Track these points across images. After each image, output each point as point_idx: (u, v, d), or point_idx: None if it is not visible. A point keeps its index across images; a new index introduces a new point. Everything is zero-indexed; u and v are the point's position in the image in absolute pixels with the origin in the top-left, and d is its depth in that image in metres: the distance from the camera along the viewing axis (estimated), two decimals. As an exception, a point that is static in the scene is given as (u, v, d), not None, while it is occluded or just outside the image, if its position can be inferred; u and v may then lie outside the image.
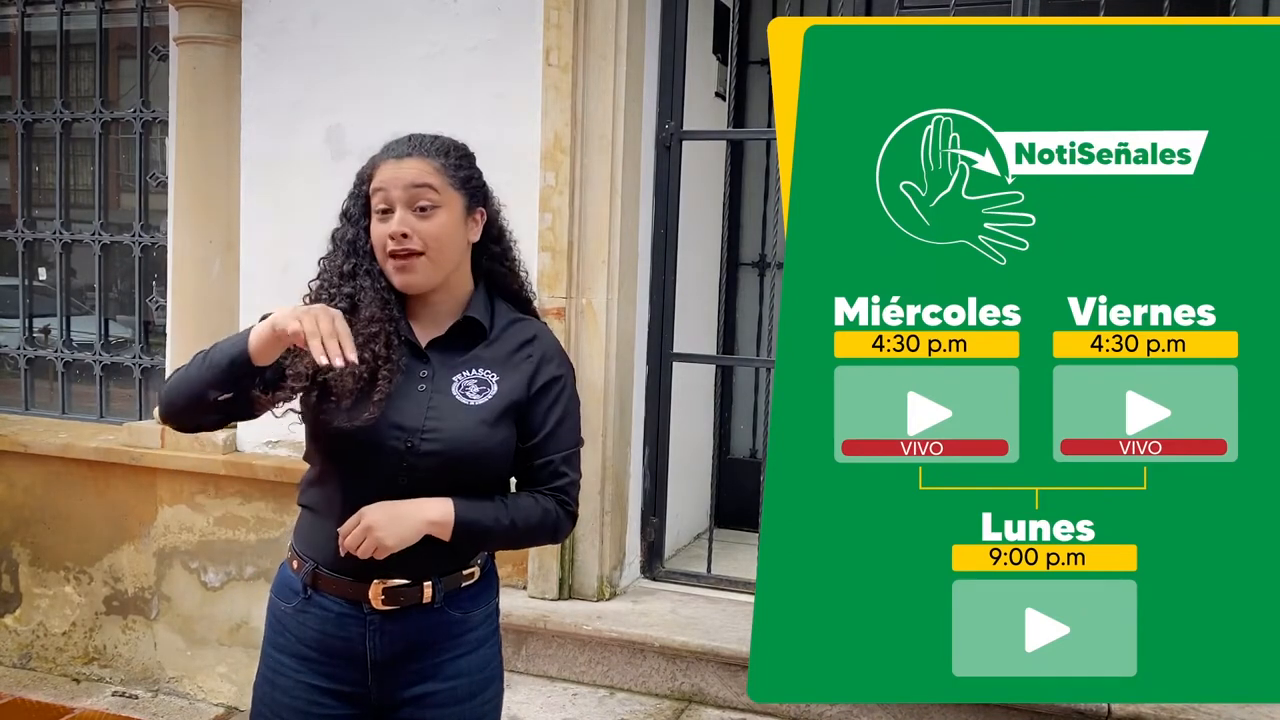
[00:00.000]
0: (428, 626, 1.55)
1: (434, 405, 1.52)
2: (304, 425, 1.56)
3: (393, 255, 1.51)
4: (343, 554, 1.49)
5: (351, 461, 1.52)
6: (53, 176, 3.89)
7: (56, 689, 3.62)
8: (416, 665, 1.56)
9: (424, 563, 1.53)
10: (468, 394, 1.53)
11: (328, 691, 1.55)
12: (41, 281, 4.03)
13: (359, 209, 1.56)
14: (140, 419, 3.71)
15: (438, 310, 1.58)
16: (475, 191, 1.59)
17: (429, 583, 1.54)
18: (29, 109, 3.90)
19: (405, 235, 1.49)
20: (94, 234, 3.84)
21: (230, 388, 1.46)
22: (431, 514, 1.48)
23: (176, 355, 3.49)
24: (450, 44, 3.07)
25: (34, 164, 4.00)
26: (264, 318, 1.46)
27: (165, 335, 3.62)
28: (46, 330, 4.00)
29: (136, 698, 3.57)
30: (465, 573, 1.59)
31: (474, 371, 1.55)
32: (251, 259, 3.36)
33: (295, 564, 1.59)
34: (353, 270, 1.53)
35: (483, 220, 1.61)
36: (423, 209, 1.51)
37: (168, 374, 3.57)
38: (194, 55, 3.35)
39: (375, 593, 1.52)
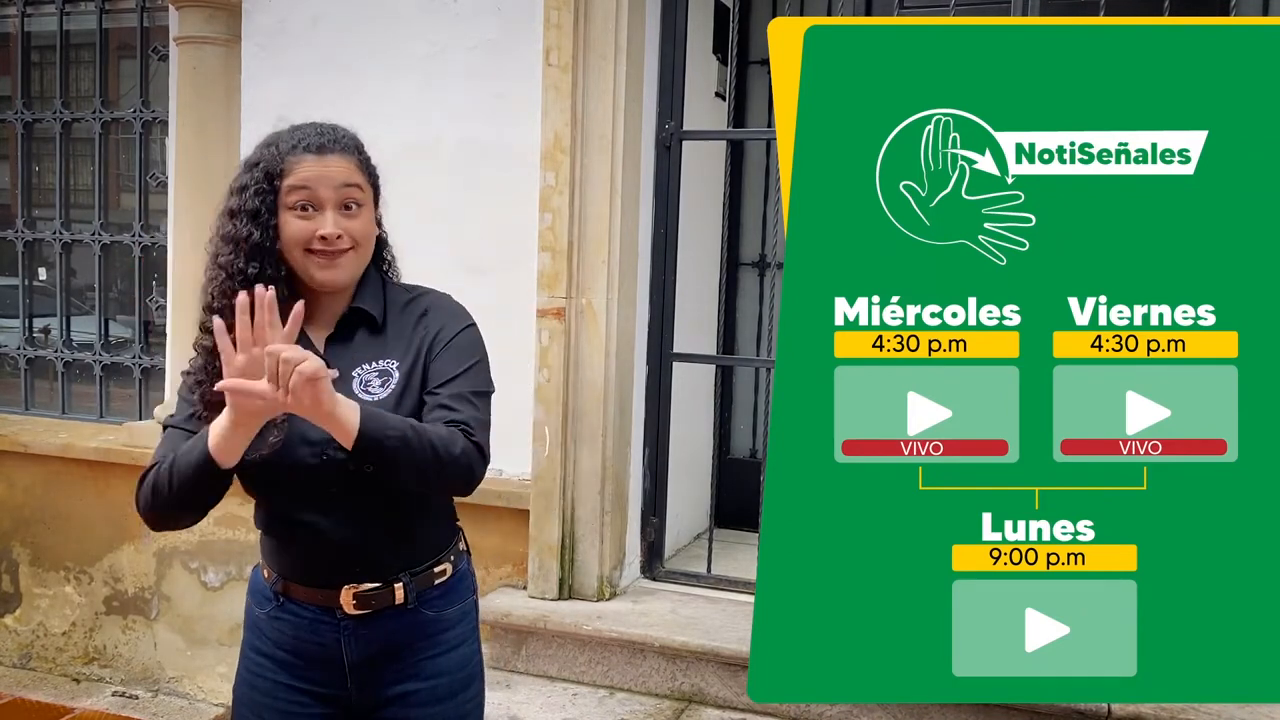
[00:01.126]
0: (402, 628, 1.54)
1: None
2: None
3: (320, 253, 1.46)
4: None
5: (279, 487, 1.49)
6: (53, 176, 3.89)
7: (56, 689, 3.62)
8: (395, 666, 1.55)
9: (393, 563, 1.52)
10: (370, 389, 1.49)
11: (307, 693, 1.55)
12: (41, 281, 4.03)
13: (269, 207, 1.46)
14: (140, 419, 3.71)
15: (330, 306, 1.53)
16: (378, 187, 1.57)
17: (400, 584, 1.52)
18: (29, 109, 3.90)
19: (339, 236, 1.46)
20: (94, 234, 3.83)
21: (211, 494, 1.42)
22: (342, 403, 1.34)
23: (176, 355, 3.48)
24: (450, 44, 3.07)
25: (34, 164, 4.00)
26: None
27: (165, 335, 3.62)
28: (46, 330, 4.00)
29: (136, 698, 3.57)
30: (437, 570, 1.57)
31: (374, 364, 1.50)
32: (251, 259, 3.36)
33: (266, 572, 1.58)
34: (256, 276, 1.44)
35: (377, 213, 1.58)
36: (348, 208, 1.48)
37: (168, 374, 3.58)
38: (194, 55, 3.35)
39: (346, 598, 1.50)
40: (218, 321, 1.32)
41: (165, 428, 1.52)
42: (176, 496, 1.41)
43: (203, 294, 1.49)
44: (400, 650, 1.55)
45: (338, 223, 1.46)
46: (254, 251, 1.45)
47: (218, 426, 1.36)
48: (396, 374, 1.50)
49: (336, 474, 1.45)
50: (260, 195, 1.46)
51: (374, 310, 1.53)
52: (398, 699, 1.55)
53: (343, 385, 1.47)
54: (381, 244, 1.61)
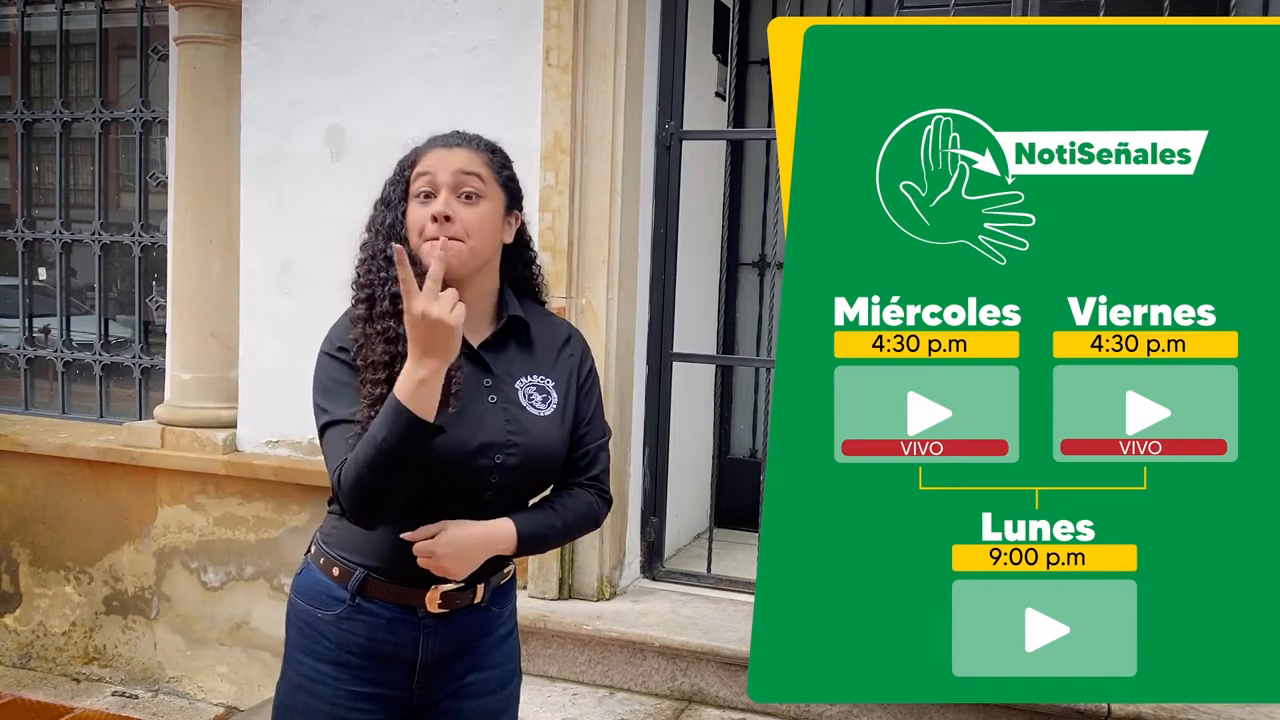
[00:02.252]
0: (473, 625, 1.57)
1: (510, 418, 1.51)
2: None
3: (432, 238, 1.47)
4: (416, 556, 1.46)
5: (435, 479, 1.46)
6: (53, 176, 3.90)
7: (56, 689, 3.62)
8: (460, 664, 1.57)
9: (481, 567, 1.53)
10: (534, 404, 1.54)
11: (370, 697, 1.53)
12: (41, 281, 4.03)
13: (399, 194, 1.54)
14: (140, 419, 3.71)
15: (470, 310, 1.52)
16: (515, 193, 1.58)
17: (481, 584, 1.56)
18: (29, 109, 3.90)
19: (448, 218, 1.46)
20: (94, 234, 3.84)
21: (421, 460, 1.39)
22: (499, 545, 1.50)
23: (176, 355, 3.49)
24: (450, 44, 3.07)
25: (34, 164, 4.00)
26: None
27: (165, 335, 3.63)
28: (46, 330, 4.00)
29: (136, 698, 3.57)
30: (506, 570, 1.61)
31: (531, 379, 1.55)
32: (251, 259, 3.36)
33: (336, 571, 1.54)
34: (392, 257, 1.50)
35: (517, 224, 1.59)
36: (467, 196, 1.49)
37: (168, 374, 3.58)
38: (194, 55, 3.35)
39: (433, 597, 1.52)
40: (398, 248, 1.34)
41: (327, 427, 1.48)
42: (387, 475, 1.38)
43: (354, 270, 1.57)
44: (468, 648, 1.58)
45: (449, 203, 1.48)
46: (389, 234, 1.52)
47: (406, 386, 1.35)
48: (555, 395, 1.56)
49: (499, 480, 1.49)
50: (395, 184, 1.55)
51: (527, 320, 1.58)
52: (455, 692, 1.58)
53: (504, 391, 1.52)
54: (526, 262, 1.64)
